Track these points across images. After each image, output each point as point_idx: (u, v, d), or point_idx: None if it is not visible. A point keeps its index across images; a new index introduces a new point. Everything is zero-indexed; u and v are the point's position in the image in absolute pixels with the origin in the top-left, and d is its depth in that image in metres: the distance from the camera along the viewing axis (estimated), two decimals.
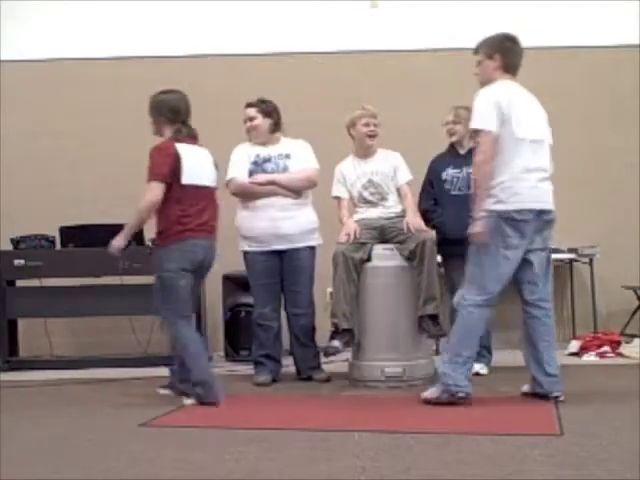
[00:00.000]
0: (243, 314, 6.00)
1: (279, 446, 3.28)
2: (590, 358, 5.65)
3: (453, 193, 4.99)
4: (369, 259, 4.83)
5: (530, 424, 3.65)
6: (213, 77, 6.65)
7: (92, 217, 6.07)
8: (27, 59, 6.71)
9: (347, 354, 4.98)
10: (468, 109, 4.95)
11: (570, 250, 6.23)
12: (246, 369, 5.41)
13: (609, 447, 3.11)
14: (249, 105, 5.09)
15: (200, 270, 4.44)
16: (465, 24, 6.53)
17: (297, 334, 5.08)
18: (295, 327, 5.08)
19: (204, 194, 4.41)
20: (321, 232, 5.12)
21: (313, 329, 5.09)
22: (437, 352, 5.91)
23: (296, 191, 5.00)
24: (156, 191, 4.24)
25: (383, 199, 5.06)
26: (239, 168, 5.03)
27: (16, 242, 5.99)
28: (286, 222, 4.95)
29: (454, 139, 5.07)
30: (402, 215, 4.99)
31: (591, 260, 6.31)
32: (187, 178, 4.31)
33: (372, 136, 5.06)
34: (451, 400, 3.95)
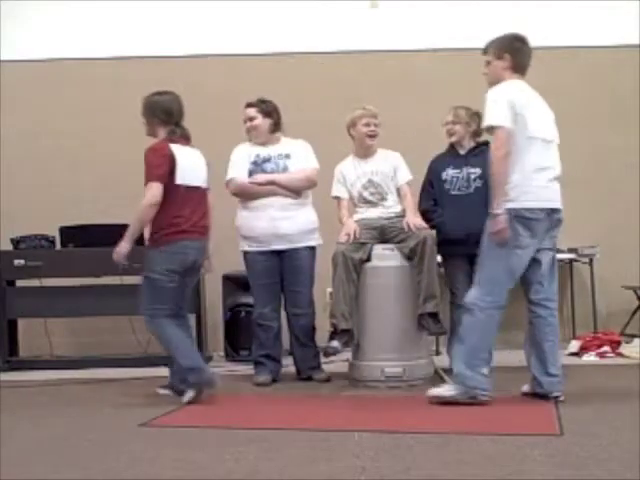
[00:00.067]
0: (243, 314, 6.00)
1: (279, 446, 3.28)
2: (590, 358, 5.65)
3: (453, 193, 4.98)
4: (369, 259, 4.82)
5: (530, 424, 3.65)
6: (213, 77, 6.65)
7: (92, 217, 6.08)
8: (27, 59, 6.71)
9: (347, 354, 4.98)
10: (468, 109, 4.98)
11: (570, 250, 6.22)
12: (246, 369, 5.40)
13: (609, 447, 3.11)
14: (249, 105, 5.09)
15: (191, 271, 4.45)
16: (465, 24, 6.54)
17: (297, 334, 5.08)
18: (295, 327, 5.08)
19: (197, 195, 4.44)
20: (321, 232, 5.12)
21: (313, 329, 5.09)
22: (437, 352, 5.92)
23: (296, 191, 5.00)
24: (156, 192, 4.25)
25: (383, 199, 5.06)
26: (239, 168, 5.03)
27: (16, 242, 5.99)
28: (286, 222, 4.94)
29: (454, 139, 5.05)
30: (402, 215, 4.99)
31: (591, 260, 6.31)
32: (181, 179, 4.33)
33: (372, 136, 5.05)
34: (472, 402, 3.95)
